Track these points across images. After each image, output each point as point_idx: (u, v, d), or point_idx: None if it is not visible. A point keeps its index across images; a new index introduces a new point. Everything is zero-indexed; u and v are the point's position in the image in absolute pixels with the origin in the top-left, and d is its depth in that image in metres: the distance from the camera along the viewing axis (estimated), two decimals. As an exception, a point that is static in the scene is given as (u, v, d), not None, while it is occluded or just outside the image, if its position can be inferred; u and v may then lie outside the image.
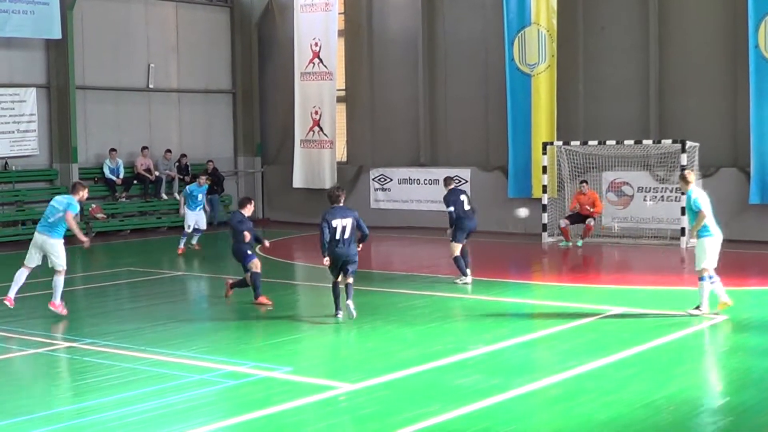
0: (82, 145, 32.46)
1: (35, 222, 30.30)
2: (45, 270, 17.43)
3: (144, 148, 33.68)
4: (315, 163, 35.09)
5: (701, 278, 16.34)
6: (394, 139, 34.32)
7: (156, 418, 10.66)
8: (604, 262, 25.38)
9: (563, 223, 27.42)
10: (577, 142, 28.82)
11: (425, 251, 27.40)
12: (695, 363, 13.00)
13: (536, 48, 30.02)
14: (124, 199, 33.19)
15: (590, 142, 28.46)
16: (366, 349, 14.47)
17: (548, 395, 11.63)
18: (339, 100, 35.18)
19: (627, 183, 28.86)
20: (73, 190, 17.49)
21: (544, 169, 28.75)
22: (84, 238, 17.46)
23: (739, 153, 27.65)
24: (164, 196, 34.04)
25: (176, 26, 35.62)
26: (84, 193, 17.64)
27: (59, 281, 17.07)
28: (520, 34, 30.30)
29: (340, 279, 16.48)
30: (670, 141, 27.21)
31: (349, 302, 16.25)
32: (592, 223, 27.11)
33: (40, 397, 11.80)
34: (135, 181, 33.52)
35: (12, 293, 17.29)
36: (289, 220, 35.72)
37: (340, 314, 16.34)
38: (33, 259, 17.28)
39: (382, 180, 34.03)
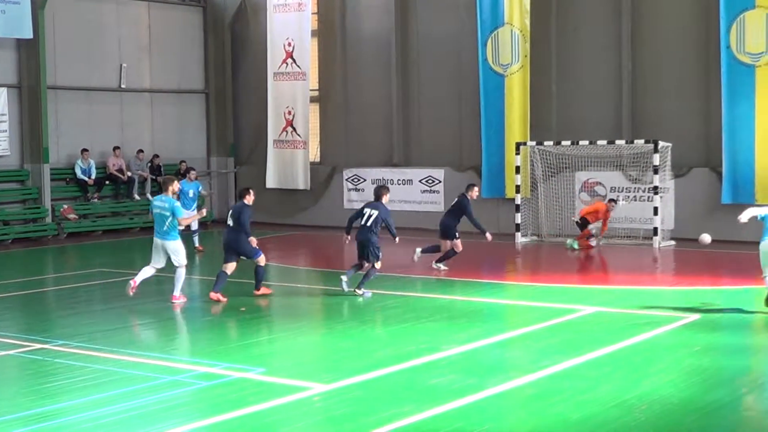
0: (53, 146, 32.25)
1: (6, 223, 30.30)
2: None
3: (116, 148, 33.51)
4: (288, 164, 35.05)
5: None
6: (368, 140, 34.33)
7: (128, 420, 10.61)
8: (577, 261, 25.43)
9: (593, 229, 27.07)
10: (551, 142, 28.90)
11: (398, 251, 27.36)
12: (668, 362, 13.03)
13: (509, 48, 30.09)
14: (96, 200, 33.02)
15: (563, 142, 28.54)
16: (340, 350, 14.46)
17: (522, 395, 11.65)
18: (312, 100, 35.15)
19: (600, 183, 28.96)
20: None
21: (518, 169, 28.83)
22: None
23: (711, 153, 27.80)
24: (137, 197, 33.89)
25: (149, 26, 35.48)
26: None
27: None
28: (493, 35, 30.36)
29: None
30: (642, 141, 27.32)
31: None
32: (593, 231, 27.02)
33: (11, 399, 11.72)
34: (107, 182, 33.35)
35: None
36: (262, 221, 35.56)
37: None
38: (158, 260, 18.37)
39: (356, 180, 34.02)
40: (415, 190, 32.72)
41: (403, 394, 11.58)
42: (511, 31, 30.05)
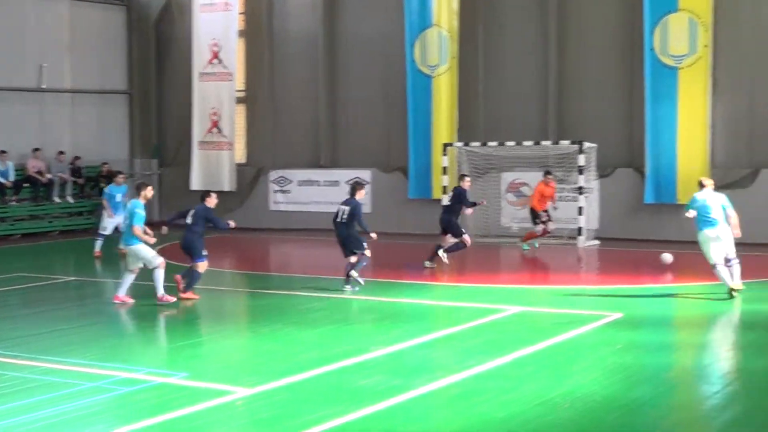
0: (-30, 148, 31.85)
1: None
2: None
3: (36, 149, 33.11)
4: (213, 165, 34.85)
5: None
6: (294, 141, 34.26)
7: (48, 428, 10.44)
8: (502, 261, 25.60)
9: (539, 229, 26.22)
10: (477, 143, 29.06)
11: (325, 253, 27.36)
12: (591, 360, 13.16)
13: (437, 49, 30.23)
14: (14, 203, 32.54)
15: (490, 143, 28.71)
16: (264, 353, 14.40)
17: (448, 395, 11.69)
18: (238, 101, 35.02)
19: (526, 184, 29.18)
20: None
21: (445, 170, 28.94)
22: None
23: (634, 154, 28.16)
24: (57, 200, 33.49)
25: (70, 25, 35.08)
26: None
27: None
28: (421, 36, 30.48)
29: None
30: (568, 142, 27.58)
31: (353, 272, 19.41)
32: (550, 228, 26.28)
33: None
34: (26, 184, 32.88)
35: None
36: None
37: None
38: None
39: (282, 182, 33.94)
40: (342, 192, 32.58)
41: (329, 396, 11.56)
42: (439, 32, 30.19)
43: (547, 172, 26.11)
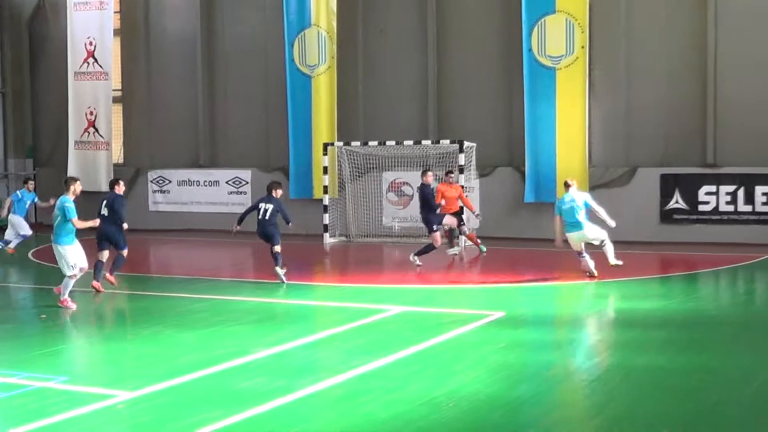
0: None
1: None
2: None
3: None
4: (90, 165, 34.32)
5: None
6: (173, 140, 33.93)
7: None
8: (384, 261, 25.66)
9: (442, 229, 24.69)
10: (358, 143, 29.11)
11: (205, 254, 27.15)
12: (474, 359, 13.23)
13: (316, 49, 30.21)
14: None
15: (370, 143, 28.79)
16: (145, 355, 14.18)
17: (332, 395, 11.65)
18: (115, 100, 34.55)
19: (407, 183, 29.31)
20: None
21: (325, 170, 28.93)
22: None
23: (514, 153, 28.51)
24: (-71, 201, 32.68)
25: (-61, 23, 34.26)
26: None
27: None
28: (300, 36, 30.41)
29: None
30: (448, 141, 27.78)
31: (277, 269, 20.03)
32: (466, 231, 25.33)
33: None
34: None
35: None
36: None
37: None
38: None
39: (161, 182, 33.57)
40: (222, 192, 32.51)
41: (212, 398, 11.44)
42: (318, 32, 30.17)
43: (449, 172, 25.43)
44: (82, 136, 34.49)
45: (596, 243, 20.17)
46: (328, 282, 21.77)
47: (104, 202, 19.74)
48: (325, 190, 28.94)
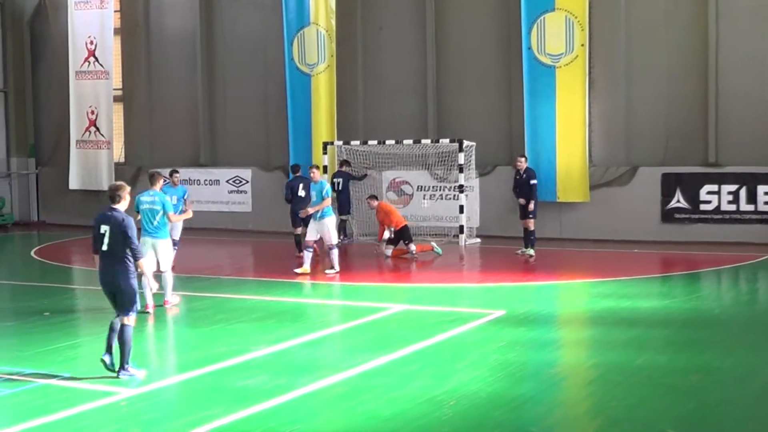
0: None
1: None
2: None
3: None
4: (92, 164, 34.35)
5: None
6: (174, 139, 33.91)
7: (-75, 432, 10.19)
8: (384, 260, 25.62)
9: (388, 251, 24.81)
10: (357, 142, 29.08)
11: (206, 252, 27.14)
12: (475, 358, 13.22)
13: (315, 48, 30.18)
14: None
15: (370, 142, 28.75)
16: (148, 353, 14.20)
17: (333, 393, 11.65)
18: (116, 99, 34.54)
19: (407, 182, 29.30)
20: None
21: (325, 169, 28.88)
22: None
23: (514, 152, 28.39)
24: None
25: (-59, 23, 34.25)
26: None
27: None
28: (299, 34, 30.38)
29: None
30: (447, 140, 27.73)
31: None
32: (411, 248, 24.57)
33: None
34: None
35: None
36: (65, 223, 34.83)
37: None
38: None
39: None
40: (223, 191, 32.48)
41: (213, 396, 11.44)
42: (317, 30, 30.14)
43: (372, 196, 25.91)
44: (83, 135, 34.50)
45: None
46: (329, 280, 21.74)
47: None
48: (324, 189, 28.94)
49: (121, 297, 12.46)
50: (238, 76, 32.75)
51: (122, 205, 12.78)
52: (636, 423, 10.26)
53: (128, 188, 13.12)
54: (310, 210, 21.62)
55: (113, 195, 12.82)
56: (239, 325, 16.04)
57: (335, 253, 21.58)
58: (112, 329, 12.42)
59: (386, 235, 24.77)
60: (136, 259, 12.52)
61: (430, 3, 29.53)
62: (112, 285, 12.51)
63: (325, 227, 21.53)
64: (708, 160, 26.56)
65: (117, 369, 12.31)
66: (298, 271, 21.40)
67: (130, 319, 12.43)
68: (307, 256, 21.58)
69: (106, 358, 12.37)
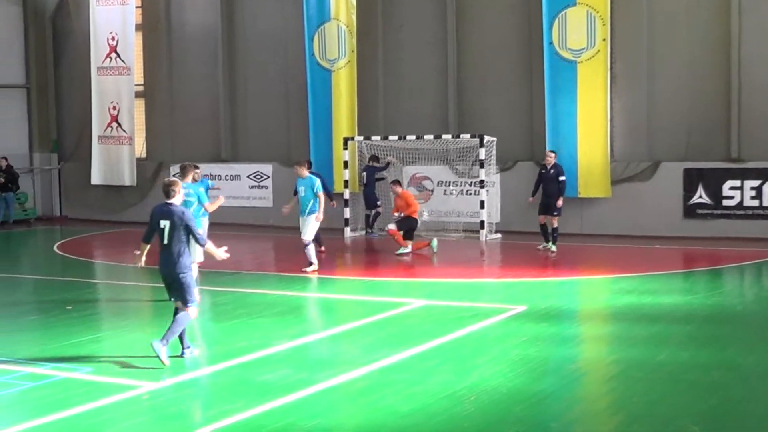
0: None
1: None
2: None
3: (-68, 144, 32.44)
4: (113, 160, 34.48)
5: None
6: (195, 135, 33.98)
7: (-52, 425, 10.24)
8: (405, 256, 25.58)
9: (392, 225, 24.87)
10: (378, 137, 29.07)
11: (227, 247, 27.13)
12: (495, 353, 13.20)
13: (336, 43, 30.17)
14: None
15: (390, 137, 28.73)
16: (169, 347, 14.22)
17: (353, 388, 11.65)
18: (137, 95, 34.64)
19: (428, 177, 29.27)
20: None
21: (346, 164, 28.90)
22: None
23: (535, 147, 28.37)
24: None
25: (-35, 19, 34.41)
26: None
27: None
28: (320, 30, 30.38)
29: None
30: (468, 136, 27.68)
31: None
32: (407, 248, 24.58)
33: None
34: None
35: None
36: (87, 218, 35.01)
37: None
38: None
39: (183, 176, 33.59)
40: (244, 186, 32.53)
41: (234, 390, 11.47)
42: (338, 26, 30.13)
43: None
44: (105, 130, 34.63)
45: None
46: (350, 275, 21.76)
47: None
48: (346, 184, 28.91)
49: (181, 289, 13.13)
50: (258, 71, 32.79)
51: (177, 199, 13.26)
52: (657, 419, 10.22)
53: (180, 183, 13.64)
54: (321, 215, 21.02)
55: (167, 190, 13.22)
56: (260, 319, 16.07)
57: (311, 249, 21.02)
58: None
59: (396, 215, 24.71)
60: (203, 245, 13.46)
61: (450, -1, 29.51)
62: (171, 277, 13.14)
63: (307, 223, 20.99)
64: (731, 155, 26.43)
65: (181, 351, 13.17)
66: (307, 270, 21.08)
67: (191, 311, 13.15)
68: (310, 248, 21.13)
69: (187, 352, 13.13)
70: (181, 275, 13.04)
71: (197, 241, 13.27)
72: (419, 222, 25.00)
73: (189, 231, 13.08)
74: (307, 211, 21.04)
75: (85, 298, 18.33)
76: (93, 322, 16.52)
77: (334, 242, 26.88)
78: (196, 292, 13.49)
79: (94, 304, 18.28)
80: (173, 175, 17.47)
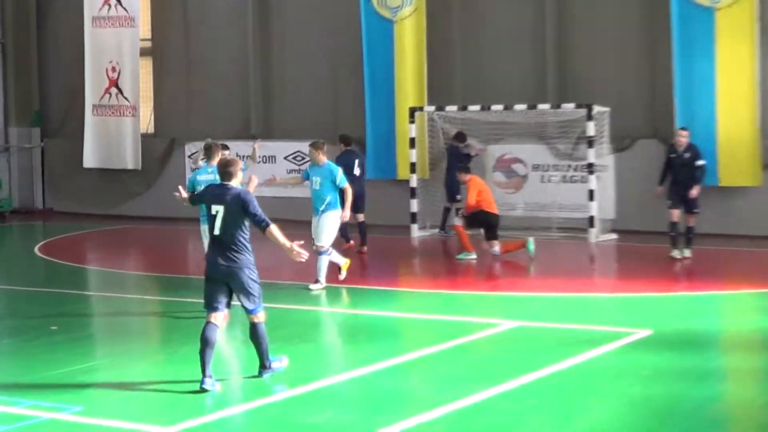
0: None
1: None
2: None
3: None
4: (113, 136, 34.69)
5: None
6: (217, 106, 34.12)
7: None
8: (490, 262, 25.45)
9: (458, 221, 25.08)
10: (454, 107, 28.99)
11: (259, 249, 27.16)
12: (611, 390, 13.11)
13: (400, -15, 30.16)
14: None
15: (471, 107, 28.65)
16: (180, 380, 14.15)
17: (423, 436, 11.60)
18: (143, 53, 34.88)
19: (519, 160, 29.17)
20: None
21: (412, 142, 28.82)
22: None
23: (659, 120, 28.10)
24: None
25: None
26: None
27: None
28: (378, -30, 30.38)
29: None
30: (572, 106, 27.51)
31: None
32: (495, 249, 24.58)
33: None
34: None
35: None
36: (77, 211, 35.24)
37: None
38: None
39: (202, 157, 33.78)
40: (280, 169, 32.53)
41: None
42: (403, -37, 30.13)
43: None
44: (101, 98, 34.85)
45: None
46: (418, 288, 21.72)
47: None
48: (413, 168, 28.83)
49: (244, 290, 13.46)
50: (299, 27, 32.82)
51: (235, 182, 13.64)
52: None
53: (240, 163, 14.16)
54: (348, 213, 20.79)
55: (224, 172, 13.69)
56: (303, 345, 16.05)
57: (324, 260, 20.49)
58: (207, 343, 13.18)
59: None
60: (266, 227, 13.51)
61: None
62: (229, 276, 13.42)
63: (325, 223, 20.50)
64: None
65: (258, 372, 13.61)
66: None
67: (260, 316, 13.62)
68: (325, 260, 20.77)
69: (208, 384, 13.05)
70: (241, 275, 13.35)
71: (259, 225, 13.43)
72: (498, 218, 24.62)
73: (248, 214, 13.33)
74: (322, 208, 20.60)
75: (73, 316, 18.42)
76: (84, 346, 16.62)
77: (397, 243, 26.93)
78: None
79: (86, 322, 18.38)
80: (193, 157, 17.73)
